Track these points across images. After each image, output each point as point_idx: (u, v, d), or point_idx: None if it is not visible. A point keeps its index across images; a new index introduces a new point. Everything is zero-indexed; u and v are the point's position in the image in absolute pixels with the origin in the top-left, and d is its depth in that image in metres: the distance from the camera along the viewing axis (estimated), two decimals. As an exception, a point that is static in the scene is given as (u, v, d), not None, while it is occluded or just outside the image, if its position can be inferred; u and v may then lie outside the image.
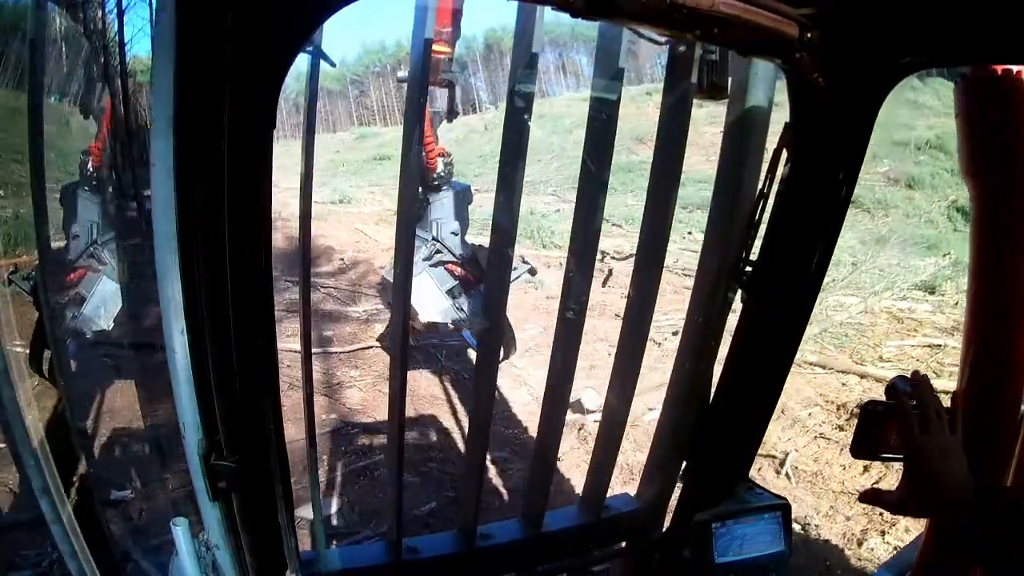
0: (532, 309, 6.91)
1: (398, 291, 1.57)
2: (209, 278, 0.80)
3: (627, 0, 0.90)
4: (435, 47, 2.70)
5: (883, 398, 1.10)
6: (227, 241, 0.80)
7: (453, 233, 3.73)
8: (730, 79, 1.30)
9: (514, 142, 1.45)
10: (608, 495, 1.78)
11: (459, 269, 3.68)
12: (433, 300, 3.65)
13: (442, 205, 3.73)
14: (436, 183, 3.66)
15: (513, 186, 1.48)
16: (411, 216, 1.54)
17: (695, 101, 1.37)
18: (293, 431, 1.25)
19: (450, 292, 3.71)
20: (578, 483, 3.48)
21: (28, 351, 1.39)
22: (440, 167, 3.64)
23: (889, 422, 1.07)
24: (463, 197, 3.82)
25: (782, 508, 1.51)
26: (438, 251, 3.71)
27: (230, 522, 0.94)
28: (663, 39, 1.22)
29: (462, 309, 3.70)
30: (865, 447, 1.09)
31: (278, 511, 1.02)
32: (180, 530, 0.95)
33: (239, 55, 0.73)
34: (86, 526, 1.38)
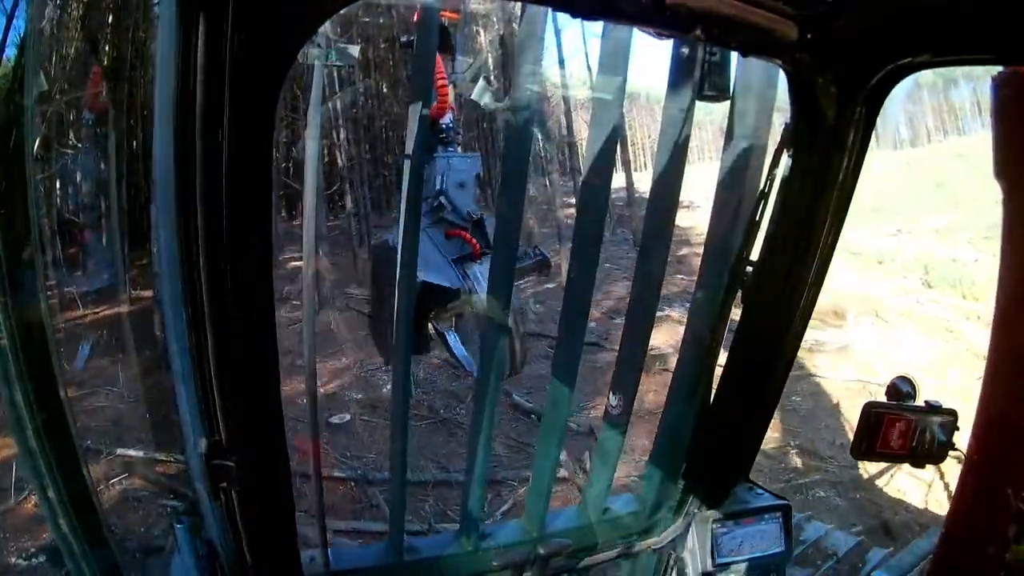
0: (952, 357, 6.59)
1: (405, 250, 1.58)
2: (210, 279, 0.80)
3: (628, 0, 0.90)
4: (444, 12, 2.51)
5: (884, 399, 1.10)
6: (227, 242, 0.80)
7: (460, 185, 3.31)
8: (731, 79, 1.30)
9: (517, 139, 1.47)
10: (609, 496, 1.77)
11: (465, 234, 3.27)
12: (433, 260, 3.21)
13: (448, 161, 3.33)
14: (444, 136, 3.30)
15: (517, 182, 1.50)
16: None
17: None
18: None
19: (457, 261, 3.24)
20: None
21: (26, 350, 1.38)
22: (448, 118, 3.25)
23: (890, 423, 1.07)
24: (473, 162, 3.42)
25: (782, 509, 1.51)
26: (439, 206, 3.27)
27: (230, 522, 0.94)
28: (664, 39, 1.22)
29: (468, 277, 3.24)
30: (866, 447, 1.09)
31: (278, 511, 1.02)
32: (181, 530, 0.95)
33: (239, 55, 0.73)
34: (85, 525, 1.38)
